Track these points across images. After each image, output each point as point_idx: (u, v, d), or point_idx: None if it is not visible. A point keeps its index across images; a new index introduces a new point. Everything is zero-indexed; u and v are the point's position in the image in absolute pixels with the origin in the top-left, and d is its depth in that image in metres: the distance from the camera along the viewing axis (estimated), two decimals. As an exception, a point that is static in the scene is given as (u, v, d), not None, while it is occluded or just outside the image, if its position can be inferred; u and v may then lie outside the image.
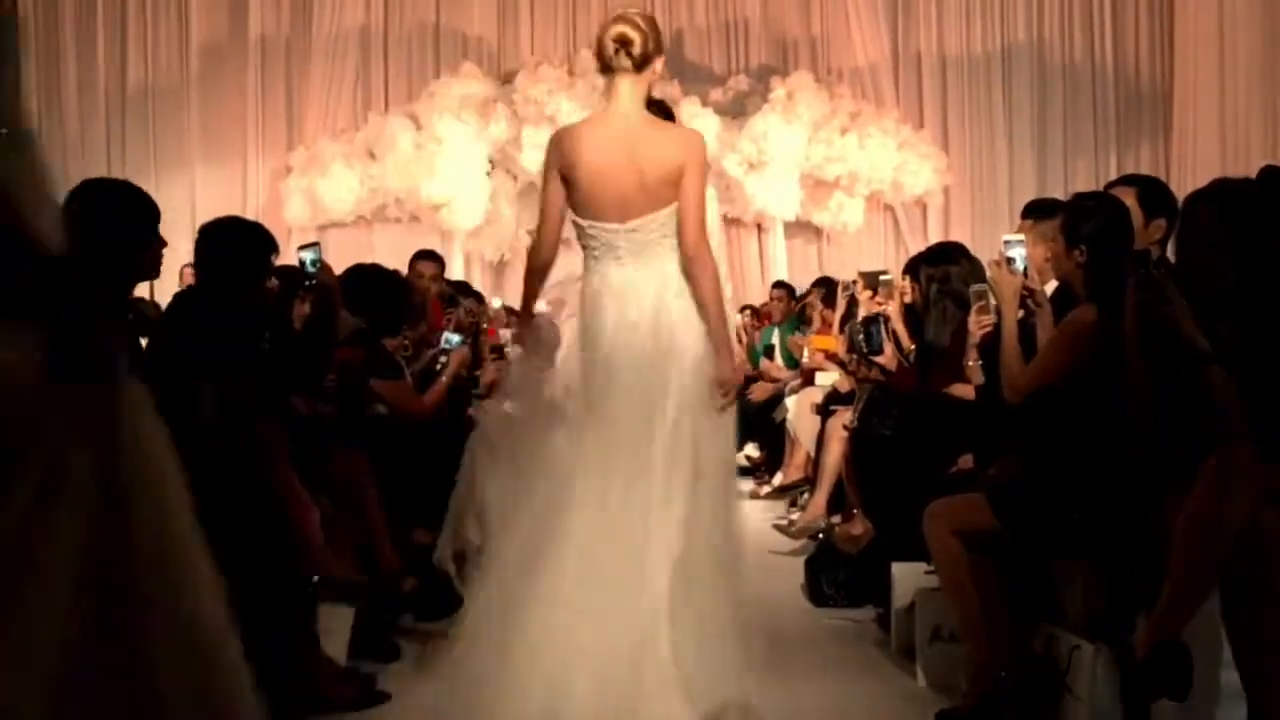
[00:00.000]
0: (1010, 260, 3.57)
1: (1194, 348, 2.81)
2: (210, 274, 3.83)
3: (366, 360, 4.67)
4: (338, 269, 4.95)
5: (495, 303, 8.12)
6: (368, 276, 5.09)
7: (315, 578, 3.70)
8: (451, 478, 5.07)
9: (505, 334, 7.98)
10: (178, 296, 4.36)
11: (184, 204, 12.05)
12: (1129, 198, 3.57)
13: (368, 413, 4.78)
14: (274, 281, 4.33)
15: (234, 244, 3.83)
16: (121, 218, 3.24)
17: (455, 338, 5.33)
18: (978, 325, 3.89)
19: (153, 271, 3.48)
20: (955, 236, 11.79)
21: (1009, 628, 3.30)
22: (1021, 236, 3.69)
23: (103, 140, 12.77)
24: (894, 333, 5.15)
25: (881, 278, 5.57)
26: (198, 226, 3.97)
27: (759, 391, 8.48)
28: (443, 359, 5.22)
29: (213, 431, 3.36)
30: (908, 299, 5.10)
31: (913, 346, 5.01)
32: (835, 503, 5.92)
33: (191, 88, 13.03)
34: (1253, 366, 2.73)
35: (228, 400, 3.49)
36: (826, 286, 8.14)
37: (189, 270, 6.21)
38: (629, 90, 3.28)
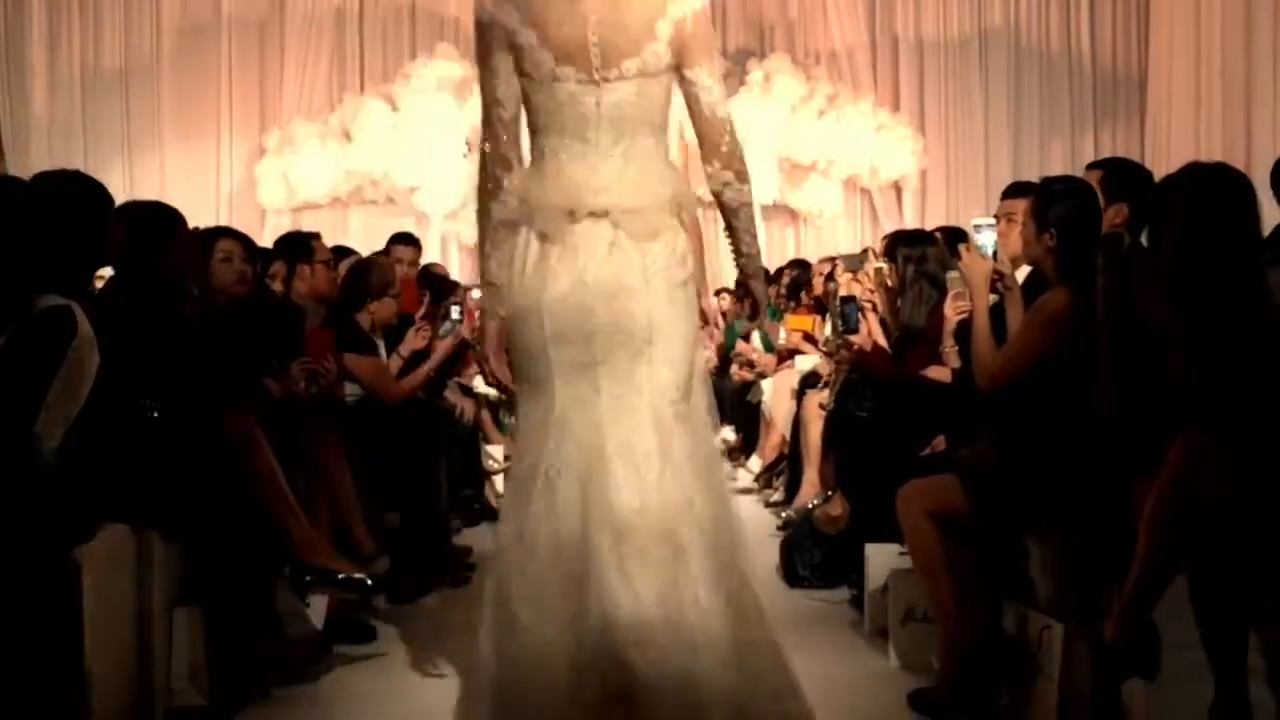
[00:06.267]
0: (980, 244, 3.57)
1: (1163, 331, 2.83)
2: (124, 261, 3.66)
3: (337, 337, 4.69)
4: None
5: (475, 294, 8.12)
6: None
7: (309, 572, 3.75)
8: (424, 461, 5.06)
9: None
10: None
11: (155, 186, 11.90)
12: (1095, 181, 3.58)
13: (340, 394, 4.78)
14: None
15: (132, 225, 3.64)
16: (73, 206, 3.23)
17: (456, 316, 5.34)
18: (954, 311, 3.90)
19: (106, 258, 3.51)
20: (931, 219, 11.83)
21: (981, 608, 3.32)
22: (991, 220, 3.69)
23: (74, 122, 12.51)
24: (882, 319, 5.05)
25: (874, 266, 5.37)
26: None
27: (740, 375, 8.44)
28: (443, 331, 5.29)
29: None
30: (889, 282, 5.08)
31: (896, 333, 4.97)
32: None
33: (164, 67, 12.80)
34: (1220, 351, 2.75)
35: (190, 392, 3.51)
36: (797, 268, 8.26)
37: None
38: None
